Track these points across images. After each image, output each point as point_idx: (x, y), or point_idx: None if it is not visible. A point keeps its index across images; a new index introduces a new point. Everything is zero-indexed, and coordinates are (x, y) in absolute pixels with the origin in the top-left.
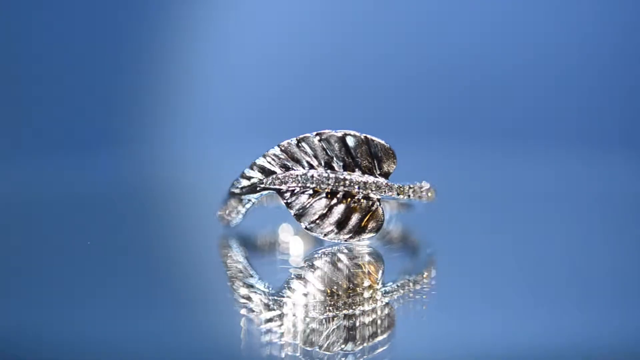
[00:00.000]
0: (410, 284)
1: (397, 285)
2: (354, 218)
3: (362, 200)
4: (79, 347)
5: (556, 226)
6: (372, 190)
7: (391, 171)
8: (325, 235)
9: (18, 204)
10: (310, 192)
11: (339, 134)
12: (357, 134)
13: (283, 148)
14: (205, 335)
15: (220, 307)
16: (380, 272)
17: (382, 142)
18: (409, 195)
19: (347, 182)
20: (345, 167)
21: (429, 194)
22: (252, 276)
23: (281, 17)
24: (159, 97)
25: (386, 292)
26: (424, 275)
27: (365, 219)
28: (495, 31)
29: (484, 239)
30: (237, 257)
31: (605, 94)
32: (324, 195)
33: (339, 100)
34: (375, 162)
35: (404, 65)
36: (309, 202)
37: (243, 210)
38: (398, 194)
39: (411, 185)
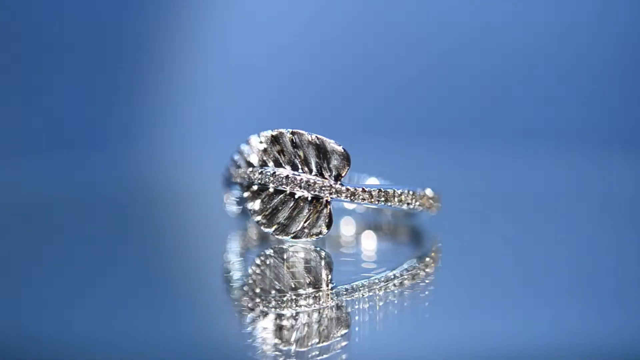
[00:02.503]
0: (411, 273)
1: (399, 275)
2: (300, 217)
3: (311, 200)
4: (79, 348)
5: (555, 226)
6: (316, 191)
7: (342, 173)
8: (273, 232)
9: (18, 204)
10: (266, 188)
11: (289, 133)
12: (306, 133)
13: (249, 143)
14: (205, 335)
15: (219, 306)
16: (325, 274)
17: (332, 142)
18: (407, 204)
19: (293, 180)
20: (294, 166)
21: (432, 204)
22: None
23: (281, 17)
24: (159, 97)
25: (384, 282)
26: (426, 266)
27: (312, 220)
28: (495, 31)
29: (482, 239)
30: (231, 253)
31: (605, 94)
32: (274, 192)
33: (339, 101)
34: (324, 162)
35: (403, 67)
36: (261, 199)
37: (232, 199)
38: (383, 201)
39: (409, 192)
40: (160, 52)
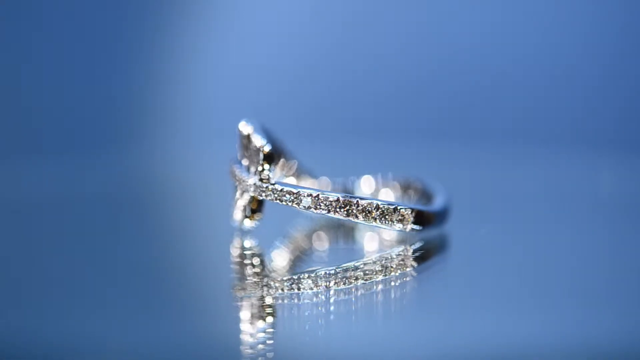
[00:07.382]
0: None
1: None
2: (239, 207)
3: (241, 195)
4: (79, 348)
5: (553, 227)
6: (241, 186)
7: (260, 171)
8: (234, 220)
9: (18, 204)
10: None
11: (240, 125)
12: (241, 128)
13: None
14: (208, 335)
15: (223, 307)
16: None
17: (258, 139)
18: (375, 218)
19: (234, 175)
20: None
21: (404, 223)
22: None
23: (282, 17)
24: (159, 97)
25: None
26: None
27: (245, 210)
28: (495, 32)
29: (479, 239)
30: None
31: (602, 95)
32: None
33: (339, 101)
34: (253, 159)
35: (404, 66)
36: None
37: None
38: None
39: (340, 199)
40: (160, 52)
